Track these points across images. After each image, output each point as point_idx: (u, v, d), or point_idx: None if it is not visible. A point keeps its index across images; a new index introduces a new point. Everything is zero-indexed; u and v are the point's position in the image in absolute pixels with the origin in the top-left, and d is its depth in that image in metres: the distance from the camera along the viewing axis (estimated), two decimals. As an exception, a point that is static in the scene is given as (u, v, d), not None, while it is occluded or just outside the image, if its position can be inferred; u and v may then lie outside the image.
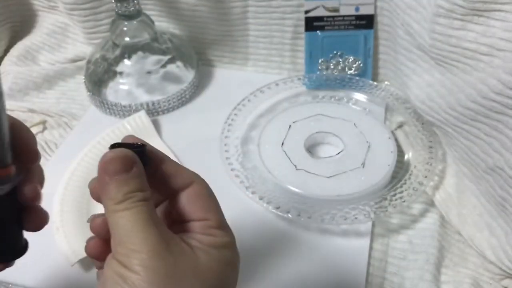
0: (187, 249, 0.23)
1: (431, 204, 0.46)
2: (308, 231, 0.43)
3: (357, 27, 0.55)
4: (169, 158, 0.26)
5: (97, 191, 0.24)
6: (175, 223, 0.25)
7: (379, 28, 0.55)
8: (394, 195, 0.43)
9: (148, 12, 0.56)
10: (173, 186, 0.25)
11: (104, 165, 0.23)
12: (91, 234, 0.45)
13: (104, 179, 0.23)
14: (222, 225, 0.25)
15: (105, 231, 0.24)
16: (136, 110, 0.55)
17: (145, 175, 0.24)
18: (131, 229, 0.22)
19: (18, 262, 0.41)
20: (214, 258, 0.23)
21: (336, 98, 0.55)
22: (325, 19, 0.55)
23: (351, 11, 0.55)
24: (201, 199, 0.25)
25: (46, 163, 0.51)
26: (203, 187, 0.26)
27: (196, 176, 0.26)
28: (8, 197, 0.25)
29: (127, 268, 0.21)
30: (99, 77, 0.57)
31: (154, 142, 0.52)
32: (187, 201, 0.25)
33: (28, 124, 0.54)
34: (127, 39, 0.54)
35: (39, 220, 0.27)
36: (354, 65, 0.57)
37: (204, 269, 0.23)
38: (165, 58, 0.57)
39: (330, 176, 0.46)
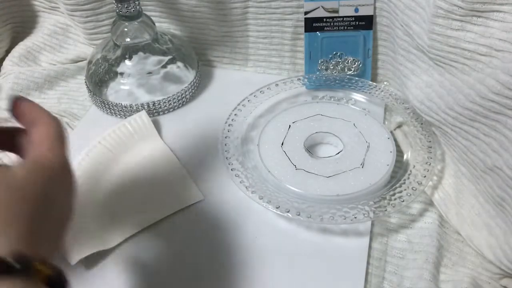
0: (2, 167, 0.25)
1: (430, 203, 0.46)
2: (308, 230, 0.44)
3: (357, 27, 0.56)
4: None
5: None
6: None
7: (378, 29, 0.56)
8: (393, 194, 0.43)
9: (148, 13, 0.56)
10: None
11: None
12: (92, 234, 0.45)
13: None
14: (44, 141, 0.27)
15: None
16: (137, 110, 0.55)
17: None
18: None
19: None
20: (28, 170, 0.25)
21: (336, 98, 0.56)
22: (324, 20, 0.56)
23: (350, 12, 0.55)
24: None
25: (47, 163, 0.51)
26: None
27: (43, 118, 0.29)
28: None
29: None
30: (100, 77, 0.57)
31: (155, 142, 0.53)
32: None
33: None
34: (128, 39, 0.55)
35: None
36: (354, 66, 0.57)
37: (18, 178, 0.25)
38: (166, 58, 0.57)
39: (330, 176, 0.46)
